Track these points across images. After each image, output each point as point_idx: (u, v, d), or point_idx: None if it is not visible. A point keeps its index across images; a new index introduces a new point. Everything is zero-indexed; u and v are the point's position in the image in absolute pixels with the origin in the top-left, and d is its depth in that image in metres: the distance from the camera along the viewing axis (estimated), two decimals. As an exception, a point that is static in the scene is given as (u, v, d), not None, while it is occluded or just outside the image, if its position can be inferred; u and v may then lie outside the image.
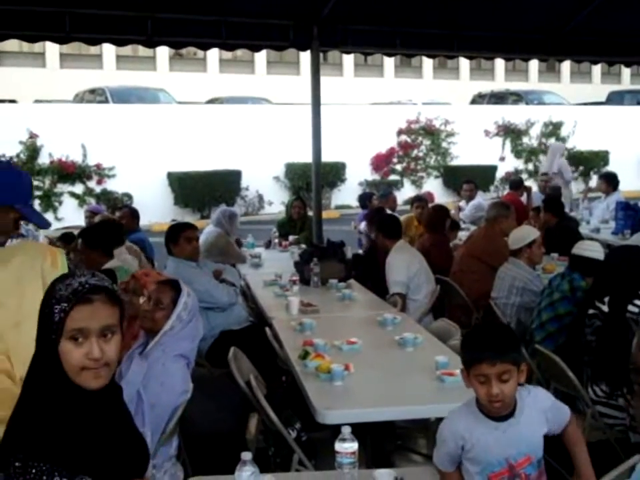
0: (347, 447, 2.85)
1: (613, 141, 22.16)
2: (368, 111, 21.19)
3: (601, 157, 22.41)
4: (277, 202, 18.85)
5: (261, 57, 31.15)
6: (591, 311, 4.69)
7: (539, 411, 2.97)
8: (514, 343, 2.93)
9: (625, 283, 4.74)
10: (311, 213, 9.32)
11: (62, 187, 17.04)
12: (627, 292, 4.69)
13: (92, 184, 17.34)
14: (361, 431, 3.43)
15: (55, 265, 2.93)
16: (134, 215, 8.60)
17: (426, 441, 4.45)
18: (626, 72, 38.63)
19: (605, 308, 4.78)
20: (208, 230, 8.27)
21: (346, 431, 2.89)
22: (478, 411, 2.91)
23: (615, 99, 27.85)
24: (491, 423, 2.89)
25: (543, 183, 12.39)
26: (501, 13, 8.17)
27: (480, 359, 2.82)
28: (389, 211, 8.80)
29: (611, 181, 11.33)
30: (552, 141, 22.61)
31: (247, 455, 2.68)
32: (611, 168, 20.02)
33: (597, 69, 37.85)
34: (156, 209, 16.63)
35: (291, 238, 9.04)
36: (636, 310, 4.54)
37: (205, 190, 17.70)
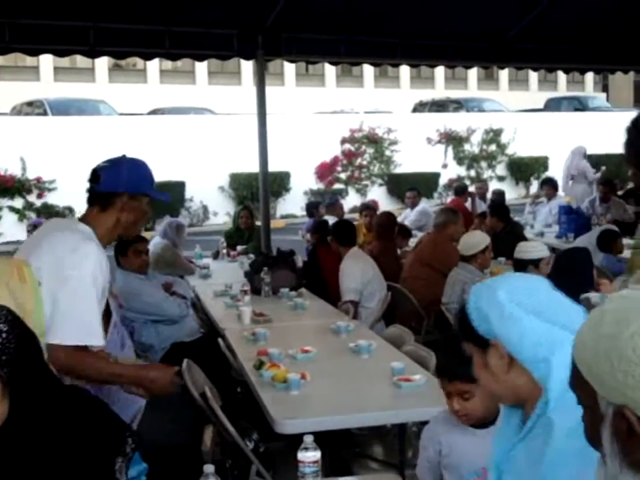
0: (310, 455, 2.83)
1: (552, 147, 22.56)
2: (311, 121, 21.22)
3: (541, 163, 22.82)
4: (222, 212, 18.75)
5: (202, 67, 31.02)
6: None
7: None
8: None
9: (573, 284, 4.80)
10: (258, 223, 9.28)
11: (1, 202, 16.68)
12: (576, 292, 4.75)
13: (32, 198, 17.03)
14: (318, 439, 3.40)
15: (23, 279, 2.84)
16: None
17: (383, 447, 4.44)
18: (562, 79, 39.50)
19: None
20: (154, 242, 8.17)
21: (308, 440, 2.86)
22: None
23: (553, 105, 28.41)
24: (470, 428, 2.81)
25: (480, 190, 12.62)
26: (443, 21, 8.24)
27: (439, 374, 2.79)
28: (331, 220, 8.77)
29: (555, 186, 11.64)
30: (493, 147, 22.96)
31: (209, 468, 2.64)
32: (550, 173, 20.38)
33: (534, 77, 38.59)
34: (99, 222, 16.35)
35: (239, 248, 8.98)
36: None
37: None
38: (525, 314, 1.89)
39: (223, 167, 18.85)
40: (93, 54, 7.75)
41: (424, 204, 11.81)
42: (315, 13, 7.86)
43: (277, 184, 18.90)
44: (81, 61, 26.59)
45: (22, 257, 2.96)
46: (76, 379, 3.00)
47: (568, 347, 1.55)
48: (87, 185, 3.32)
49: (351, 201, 19.75)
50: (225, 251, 9.06)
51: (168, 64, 29.02)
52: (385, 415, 3.80)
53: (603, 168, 15.73)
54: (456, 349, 2.80)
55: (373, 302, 6.25)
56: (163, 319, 5.80)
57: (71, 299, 3.01)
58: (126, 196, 3.26)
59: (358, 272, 6.23)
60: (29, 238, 3.13)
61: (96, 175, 3.26)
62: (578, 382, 1.34)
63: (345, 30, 8.19)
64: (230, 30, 7.89)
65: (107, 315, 3.59)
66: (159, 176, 15.61)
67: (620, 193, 11.97)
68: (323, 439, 3.59)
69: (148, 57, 8.58)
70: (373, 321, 6.06)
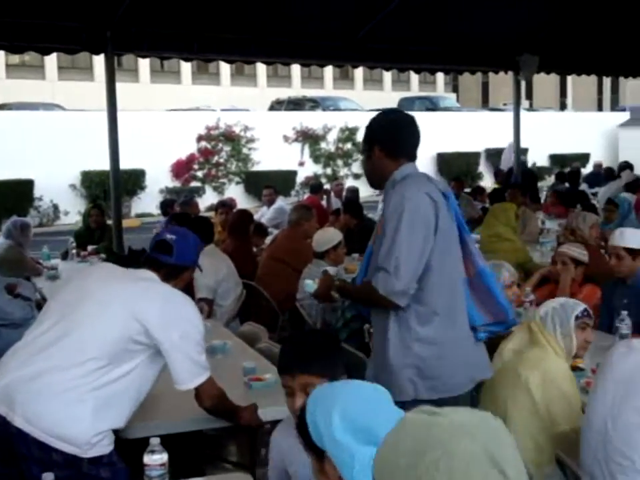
0: (157, 458, 2.76)
1: (405, 145, 23.10)
2: (166, 118, 20.91)
3: (395, 161, 23.38)
4: (73, 211, 18.20)
5: (52, 62, 29.98)
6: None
7: None
8: (324, 353, 2.71)
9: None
10: (110, 222, 9.03)
11: None
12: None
13: None
14: (170, 441, 3.32)
15: None
16: None
17: (237, 447, 4.39)
18: (415, 79, 40.61)
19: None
20: (-3, 243, 7.82)
21: (154, 442, 2.79)
22: None
23: (405, 105, 29.16)
24: None
25: (337, 187, 12.78)
26: (297, 18, 8.27)
27: (281, 370, 2.71)
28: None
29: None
30: (348, 145, 23.33)
31: (48, 476, 2.54)
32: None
33: (388, 77, 39.49)
34: (-60, 223, 15.54)
35: (90, 248, 8.70)
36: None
37: (-6, 201, 16.77)
38: (353, 442, 1.96)
39: (74, 165, 18.30)
40: None
41: (280, 202, 11.83)
42: (166, 8, 7.71)
43: (132, 182, 18.56)
44: None
45: None
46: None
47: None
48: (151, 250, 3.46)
49: (208, 199, 19.60)
50: (74, 251, 8.76)
51: (15, 58, 27.91)
52: (236, 415, 3.74)
53: (535, 162, 16.88)
54: (304, 342, 2.81)
55: (228, 300, 6.18)
56: (6, 322, 5.53)
57: None
58: (191, 270, 3.53)
59: (212, 269, 6.13)
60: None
61: (167, 246, 3.40)
62: None
63: (198, 25, 8.07)
64: (77, 23, 7.62)
65: None
66: (5, 174, 14.94)
67: (467, 190, 12.39)
68: (175, 441, 3.51)
69: (-11, 50, 8.18)
70: (228, 319, 6.01)
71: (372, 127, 3.51)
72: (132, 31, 7.82)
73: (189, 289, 6.38)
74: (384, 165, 3.43)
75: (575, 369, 3.90)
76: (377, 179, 3.54)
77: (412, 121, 3.48)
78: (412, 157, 3.46)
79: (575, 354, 3.62)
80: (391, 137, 3.44)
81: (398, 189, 3.32)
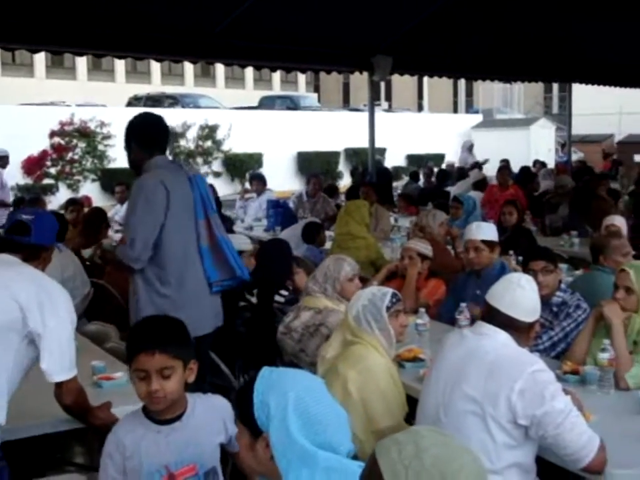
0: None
1: (265, 144, 23.19)
2: (17, 112, 20.12)
3: (256, 159, 23.38)
4: None
5: None
6: (241, 304, 4.86)
7: (215, 418, 2.84)
8: (178, 336, 2.78)
9: (272, 275, 4.96)
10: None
11: None
12: (274, 283, 4.92)
13: None
14: (13, 446, 3.21)
15: None
16: None
17: (84, 448, 4.27)
18: (276, 78, 40.81)
19: (254, 300, 4.99)
20: None
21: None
22: (143, 415, 2.76)
23: (267, 103, 29.30)
24: (153, 426, 2.74)
25: None
26: (152, 11, 8.10)
27: (138, 350, 2.68)
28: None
29: (264, 181, 11.95)
30: (208, 143, 23.16)
31: None
32: (264, 169, 20.97)
33: (249, 75, 39.49)
34: None
35: None
36: (282, 300, 4.77)
37: None
38: (298, 434, 2.01)
39: None
40: None
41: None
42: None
43: (-20, 179, 17.73)
44: None
45: None
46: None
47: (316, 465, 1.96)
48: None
49: (62, 196, 18.97)
50: None
51: None
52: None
53: (488, 158, 17.85)
54: (159, 324, 2.83)
55: (75, 300, 5.99)
56: None
57: None
58: (50, 249, 3.50)
59: (58, 268, 5.95)
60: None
61: (25, 227, 3.34)
62: None
63: (47, 16, 7.78)
64: None
65: None
66: None
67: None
68: (17, 445, 3.39)
69: None
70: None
71: (129, 126, 4.43)
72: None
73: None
74: (140, 156, 4.38)
75: (415, 359, 4.02)
76: (136, 167, 4.42)
77: (160, 121, 4.45)
78: (162, 150, 4.44)
79: (396, 341, 3.68)
80: (144, 134, 4.39)
81: (141, 177, 4.30)
